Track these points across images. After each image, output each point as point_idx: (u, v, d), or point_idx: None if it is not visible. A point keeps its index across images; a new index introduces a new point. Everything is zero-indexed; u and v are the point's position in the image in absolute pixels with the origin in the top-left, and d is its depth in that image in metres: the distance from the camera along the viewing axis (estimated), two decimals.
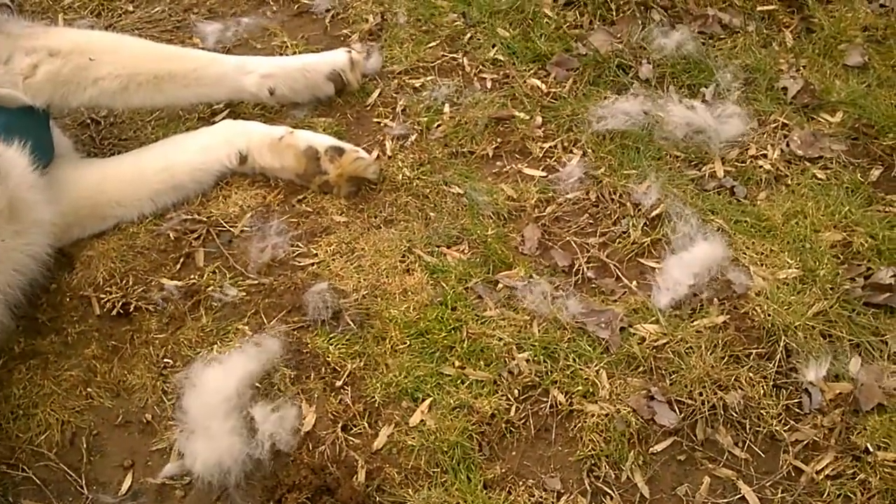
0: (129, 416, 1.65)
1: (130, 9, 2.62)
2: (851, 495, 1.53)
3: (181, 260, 1.89)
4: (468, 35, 2.45)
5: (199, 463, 1.53)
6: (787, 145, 2.17)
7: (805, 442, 1.60)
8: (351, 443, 1.59)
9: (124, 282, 1.84)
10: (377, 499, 1.51)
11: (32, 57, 1.89)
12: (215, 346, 1.73)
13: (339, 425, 1.61)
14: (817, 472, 1.56)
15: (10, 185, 1.69)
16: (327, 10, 2.55)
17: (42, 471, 1.57)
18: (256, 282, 1.85)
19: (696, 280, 1.84)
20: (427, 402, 1.64)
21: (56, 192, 1.88)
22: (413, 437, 1.59)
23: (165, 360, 1.72)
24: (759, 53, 2.41)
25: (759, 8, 2.54)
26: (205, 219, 1.97)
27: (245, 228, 1.96)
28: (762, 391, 1.65)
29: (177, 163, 2.02)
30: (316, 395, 1.66)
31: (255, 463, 1.55)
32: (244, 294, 1.83)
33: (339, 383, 1.67)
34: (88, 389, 1.68)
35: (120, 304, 1.79)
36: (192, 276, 1.86)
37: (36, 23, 2.05)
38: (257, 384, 1.66)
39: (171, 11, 2.60)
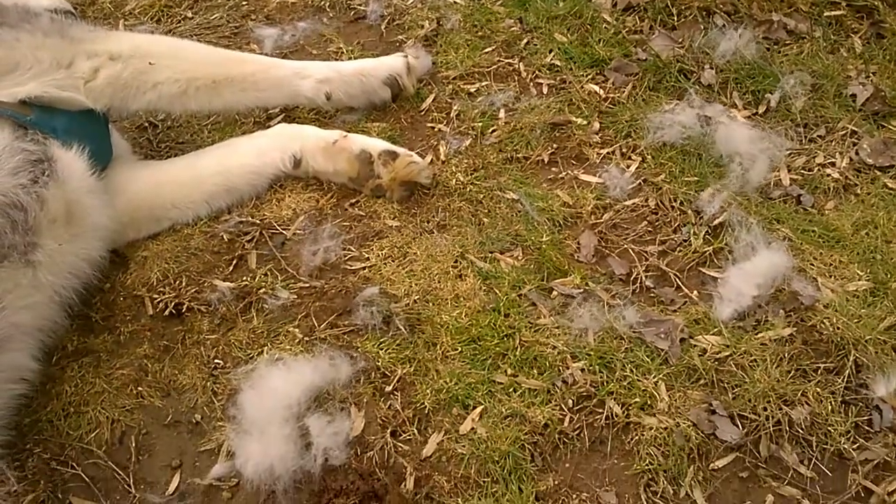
0: (179, 416, 1.65)
1: (190, 15, 2.65)
2: None
3: (234, 262, 1.89)
4: (525, 40, 2.41)
5: (251, 465, 1.50)
6: (857, 153, 2.09)
7: (875, 461, 1.52)
8: (400, 449, 1.56)
9: (177, 282, 1.84)
10: None
11: (94, 61, 1.91)
12: (265, 347, 1.71)
13: (388, 431, 1.57)
14: (889, 494, 1.47)
15: (68, 190, 1.71)
16: (382, 17, 2.54)
17: (91, 468, 1.57)
18: (308, 285, 1.83)
19: (759, 291, 1.76)
20: (478, 409, 1.60)
21: (113, 194, 1.90)
22: (463, 445, 1.55)
23: (216, 360, 1.71)
24: (827, 59, 2.33)
25: (826, 13, 2.46)
26: (258, 221, 1.97)
27: (298, 232, 1.95)
28: (830, 407, 1.57)
29: (232, 166, 2.02)
30: (365, 400, 1.63)
31: (306, 474, 1.51)
32: (295, 297, 1.81)
33: (388, 388, 1.64)
34: (139, 388, 1.68)
35: (173, 304, 1.79)
36: (244, 279, 1.85)
37: (98, 27, 2.07)
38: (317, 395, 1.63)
39: (229, 18, 2.62)
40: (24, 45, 1.83)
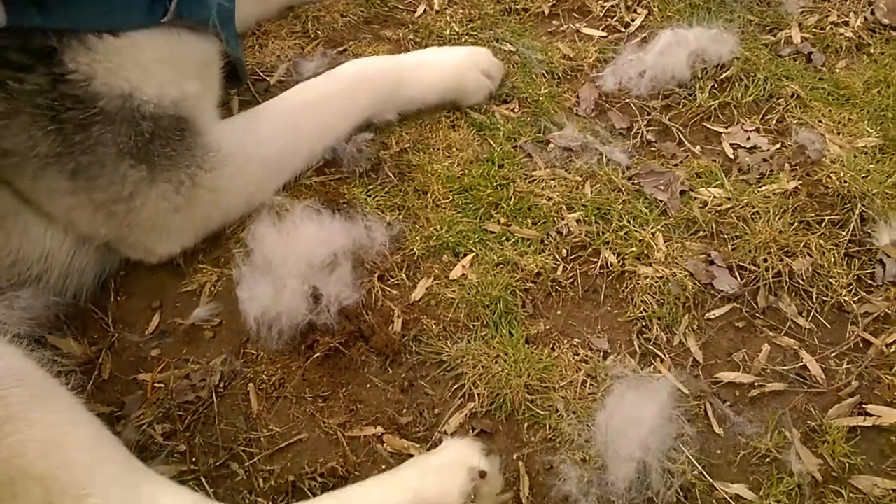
0: None
1: None
2: None
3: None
4: None
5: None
6: (872, 13, 1.99)
7: (875, 315, 1.48)
8: (388, 293, 1.50)
9: None
10: (413, 348, 1.42)
11: None
12: None
13: (376, 276, 1.52)
14: (887, 346, 1.44)
15: None
16: None
17: (67, 308, 1.51)
18: None
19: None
20: (469, 256, 1.54)
21: None
22: (453, 291, 1.49)
23: None
24: None
25: None
26: None
27: (281, 79, 1.84)
28: (832, 259, 1.52)
29: None
30: None
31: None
32: None
33: None
34: None
35: None
36: None
37: None
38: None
39: None
40: None
